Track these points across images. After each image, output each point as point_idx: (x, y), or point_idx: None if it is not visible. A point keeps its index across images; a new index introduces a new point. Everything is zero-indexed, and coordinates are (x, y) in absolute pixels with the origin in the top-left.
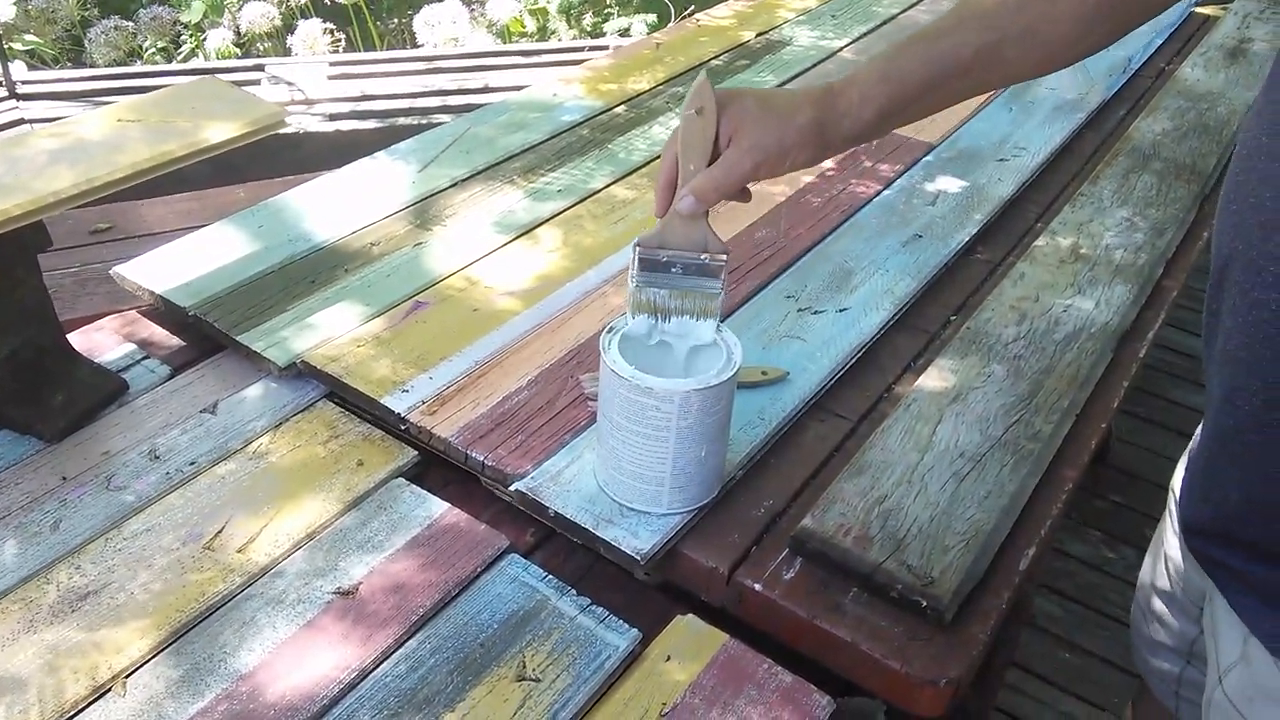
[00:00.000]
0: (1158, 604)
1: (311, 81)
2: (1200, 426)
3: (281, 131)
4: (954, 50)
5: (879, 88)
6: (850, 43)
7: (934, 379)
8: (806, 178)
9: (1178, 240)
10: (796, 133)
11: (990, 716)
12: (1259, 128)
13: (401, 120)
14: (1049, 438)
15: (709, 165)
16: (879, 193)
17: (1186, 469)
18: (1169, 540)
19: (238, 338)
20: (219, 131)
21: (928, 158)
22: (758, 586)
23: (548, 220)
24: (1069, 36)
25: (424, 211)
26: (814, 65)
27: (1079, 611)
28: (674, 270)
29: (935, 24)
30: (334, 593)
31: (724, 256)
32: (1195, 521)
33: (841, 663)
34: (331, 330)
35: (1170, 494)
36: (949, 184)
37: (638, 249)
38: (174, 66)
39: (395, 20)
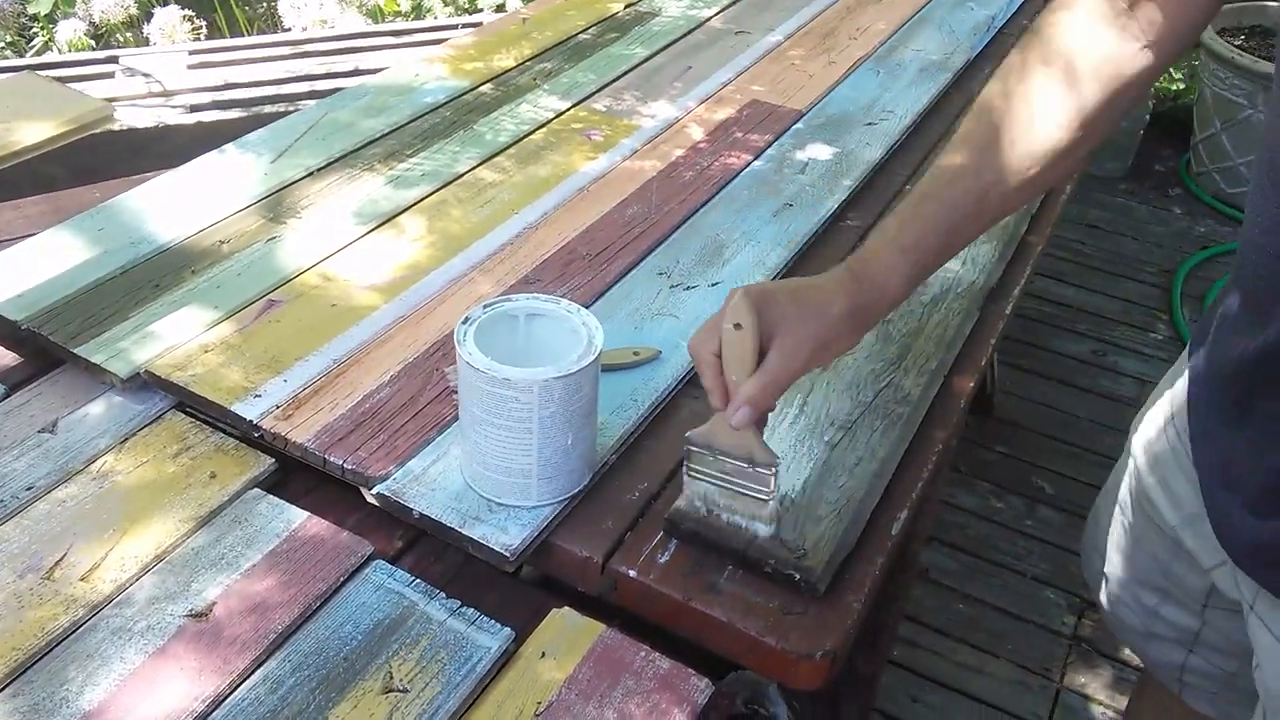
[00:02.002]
0: (1147, 597)
1: (170, 72)
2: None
3: (140, 126)
4: (960, 200)
5: (901, 259)
6: (719, 12)
7: None
8: (677, 151)
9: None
10: (834, 324)
11: (884, 673)
12: None
13: (268, 108)
14: (918, 400)
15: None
16: (749, 163)
17: (1243, 486)
18: (1153, 541)
19: (76, 350)
20: (35, 131)
21: (798, 125)
22: (632, 572)
23: (411, 207)
24: (1062, 147)
25: (277, 204)
26: (684, 35)
27: (970, 562)
28: (726, 468)
29: (938, 173)
30: (186, 616)
31: (770, 468)
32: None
33: (720, 643)
34: (178, 336)
35: (1145, 495)
36: (819, 151)
37: (687, 445)
38: (21, 61)
39: (262, 4)
